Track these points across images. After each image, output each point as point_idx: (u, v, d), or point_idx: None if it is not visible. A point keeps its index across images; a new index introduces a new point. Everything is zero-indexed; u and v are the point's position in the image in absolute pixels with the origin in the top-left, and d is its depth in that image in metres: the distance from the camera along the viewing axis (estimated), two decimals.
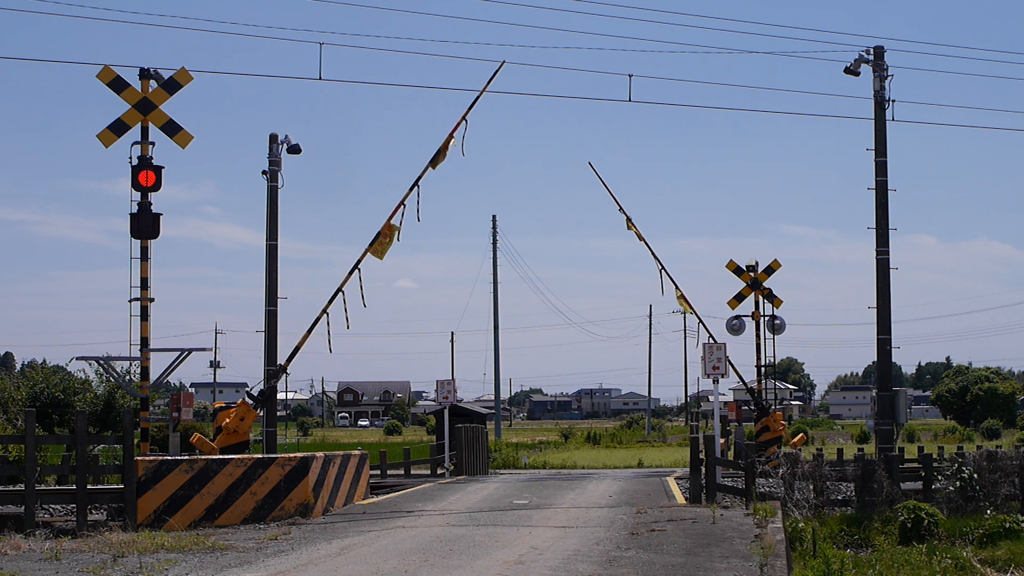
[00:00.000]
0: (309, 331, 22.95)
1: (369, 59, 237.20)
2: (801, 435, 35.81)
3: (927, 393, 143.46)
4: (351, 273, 22.93)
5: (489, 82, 24.06)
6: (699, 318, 30.98)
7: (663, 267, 30.07)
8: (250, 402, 22.62)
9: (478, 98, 24.06)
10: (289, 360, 23.50)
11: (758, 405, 31.36)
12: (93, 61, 76.01)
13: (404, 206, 23.11)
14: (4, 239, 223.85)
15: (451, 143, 23.52)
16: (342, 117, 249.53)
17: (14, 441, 22.89)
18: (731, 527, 14.10)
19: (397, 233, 23.12)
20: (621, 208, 30.00)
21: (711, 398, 22.99)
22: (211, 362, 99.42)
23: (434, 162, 23.53)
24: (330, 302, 22.85)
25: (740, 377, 31.67)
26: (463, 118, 23.75)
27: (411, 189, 23.17)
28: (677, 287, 30.25)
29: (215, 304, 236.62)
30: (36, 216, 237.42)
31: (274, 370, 25.70)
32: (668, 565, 11.13)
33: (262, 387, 26.13)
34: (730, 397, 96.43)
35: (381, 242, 23.19)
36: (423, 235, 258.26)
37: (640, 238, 29.85)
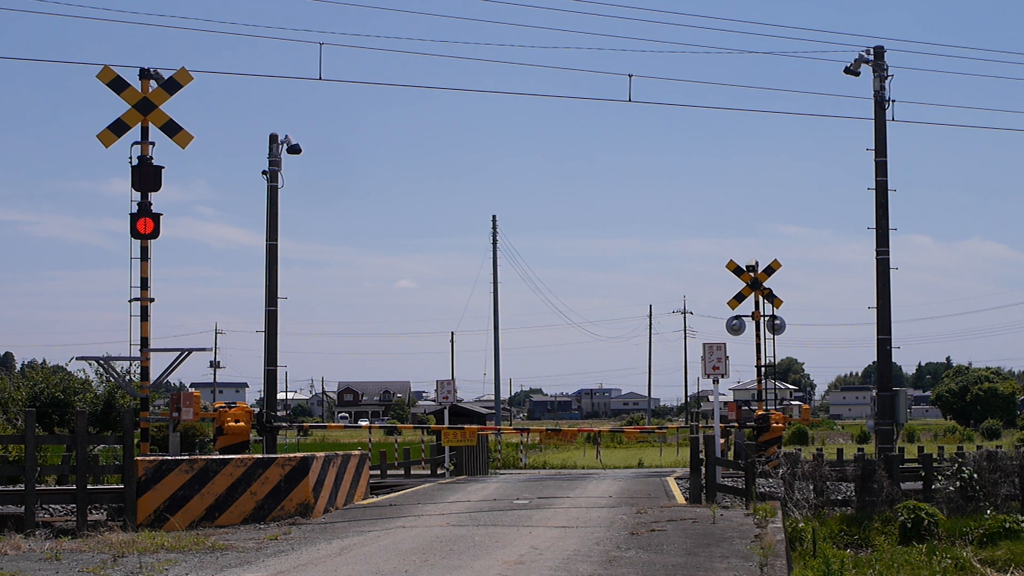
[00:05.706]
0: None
1: (369, 59, 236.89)
2: (806, 406, 38.56)
3: (927, 393, 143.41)
4: None
5: None
6: None
7: None
8: (254, 422, 22.68)
9: None
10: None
11: (760, 420, 31.51)
12: (93, 61, 76.05)
13: None
14: (1, 239, 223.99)
15: None
16: (342, 117, 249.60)
17: (14, 441, 22.89)
18: (731, 527, 14.09)
19: None
20: None
21: (711, 398, 22.99)
22: (211, 362, 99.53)
23: None
24: None
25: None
26: None
27: None
28: None
29: (212, 304, 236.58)
30: (31, 216, 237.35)
31: (279, 425, 26.21)
32: (668, 565, 11.12)
33: (272, 418, 26.33)
34: (730, 397, 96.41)
35: None
36: (423, 235, 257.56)
37: None
